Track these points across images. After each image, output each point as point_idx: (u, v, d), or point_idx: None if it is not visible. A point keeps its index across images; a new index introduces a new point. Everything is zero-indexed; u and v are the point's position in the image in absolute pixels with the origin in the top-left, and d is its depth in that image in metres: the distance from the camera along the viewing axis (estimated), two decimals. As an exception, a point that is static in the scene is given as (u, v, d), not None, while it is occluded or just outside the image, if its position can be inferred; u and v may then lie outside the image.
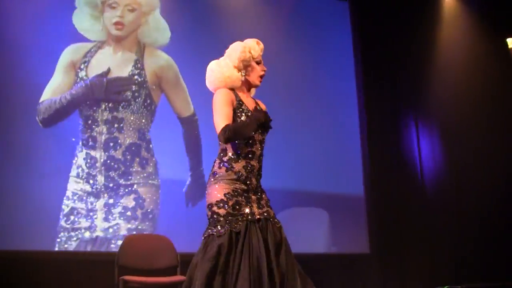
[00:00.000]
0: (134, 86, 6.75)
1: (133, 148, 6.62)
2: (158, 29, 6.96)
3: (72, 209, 6.26)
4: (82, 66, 6.63)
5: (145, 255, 5.56)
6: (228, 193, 3.48)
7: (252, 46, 3.69)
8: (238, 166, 3.54)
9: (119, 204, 6.47)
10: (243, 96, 3.70)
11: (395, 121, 8.03)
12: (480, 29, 8.53)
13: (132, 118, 6.68)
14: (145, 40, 6.89)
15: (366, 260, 7.36)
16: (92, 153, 6.53)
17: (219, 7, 7.40)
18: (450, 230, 7.57)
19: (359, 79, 7.93)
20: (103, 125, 6.63)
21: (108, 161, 6.54)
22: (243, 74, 3.68)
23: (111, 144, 6.64)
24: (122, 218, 6.41)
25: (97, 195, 6.39)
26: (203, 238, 3.45)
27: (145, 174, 6.63)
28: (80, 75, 6.61)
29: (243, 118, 3.57)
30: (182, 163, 6.79)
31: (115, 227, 6.41)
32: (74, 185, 6.35)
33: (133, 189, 6.55)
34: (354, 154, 7.65)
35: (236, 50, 3.66)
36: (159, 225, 6.46)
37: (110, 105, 6.67)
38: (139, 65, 6.85)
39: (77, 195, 6.36)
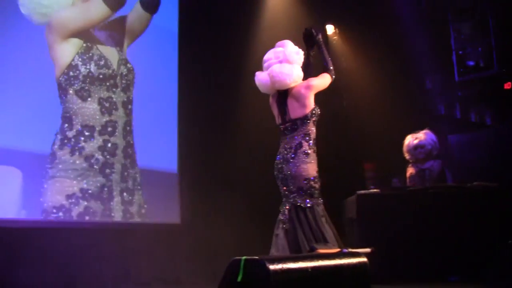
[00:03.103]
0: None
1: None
2: None
3: (86, 208, 5.93)
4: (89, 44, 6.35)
5: None
6: (318, 171, 4.59)
7: None
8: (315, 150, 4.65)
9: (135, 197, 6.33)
10: None
11: (208, 102, 8.08)
12: (301, 15, 8.79)
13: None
14: None
15: (176, 229, 7.45)
16: (112, 139, 6.28)
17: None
18: (254, 206, 7.87)
19: (182, 55, 7.90)
20: (122, 107, 6.41)
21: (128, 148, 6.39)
22: None
23: (128, 128, 6.48)
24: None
25: (113, 187, 6.19)
26: (304, 206, 4.49)
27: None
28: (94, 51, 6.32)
29: None
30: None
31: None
32: (80, 181, 6.01)
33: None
34: (170, 132, 7.66)
35: (301, 56, 4.76)
36: None
37: (123, 83, 6.38)
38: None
39: (89, 192, 5.99)
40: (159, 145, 7.42)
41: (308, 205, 4.50)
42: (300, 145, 4.57)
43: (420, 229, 6.06)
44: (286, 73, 4.59)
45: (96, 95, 6.37)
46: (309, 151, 4.58)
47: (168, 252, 7.21)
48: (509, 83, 7.52)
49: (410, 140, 7.05)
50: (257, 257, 2.91)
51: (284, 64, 4.64)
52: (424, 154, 6.96)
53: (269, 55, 4.78)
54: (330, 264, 3.19)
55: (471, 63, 7.94)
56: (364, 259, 3.41)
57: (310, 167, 4.55)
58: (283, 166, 4.61)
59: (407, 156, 7.11)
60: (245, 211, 7.83)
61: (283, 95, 4.72)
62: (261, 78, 4.76)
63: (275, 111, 4.83)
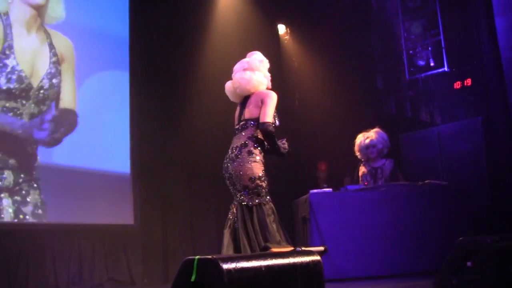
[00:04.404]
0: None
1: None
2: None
3: None
4: (7, 52, 5.97)
5: None
6: (264, 170, 4.59)
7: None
8: (262, 151, 4.65)
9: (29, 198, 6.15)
10: None
11: (160, 103, 8.02)
12: (252, 15, 8.77)
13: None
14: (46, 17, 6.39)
15: (130, 230, 7.40)
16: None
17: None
18: (208, 206, 7.84)
19: (133, 56, 7.83)
20: (27, 119, 6.30)
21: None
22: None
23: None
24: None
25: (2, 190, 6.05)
26: (251, 205, 4.50)
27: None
28: (9, 63, 6.01)
29: None
30: None
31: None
32: None
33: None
34: (122, 134, 7.59)
35: (265, 64, 4.94)
36: None
37: (40, 96, 6.25)
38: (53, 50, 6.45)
39: None
40: (111, 147, 7.40)
41: (255, 203, 4.52)
42: (245, 144, 4.61)
43: (373, 228, 6.13)
44: (246, 78, 4.79)
45: (0, 104, 6.20)
46: (254, 151, 4.59)
47: (121, 253, 7.17)
48: (459, 82, 7.64)
49: (361, 139, 7.11)
50: (210, 257, 2.87)
51: (246, 71, 4.84)
52: (376, 153, 7.03)
53: (237, 66, 4.97)
54: (283, 263, 3.16)
55: (421, 62, 8.05)
56: (318, 258, 3.40)
57: (255, 166, 4.56)
58: (228, 165, 4.64)
59: (359, 155, 7.17)
60: (199, 211, 7.80)
61: (247, 99, 4.84)
62: (227, 86, 4.96)
63: (236, 114, 4.92)
